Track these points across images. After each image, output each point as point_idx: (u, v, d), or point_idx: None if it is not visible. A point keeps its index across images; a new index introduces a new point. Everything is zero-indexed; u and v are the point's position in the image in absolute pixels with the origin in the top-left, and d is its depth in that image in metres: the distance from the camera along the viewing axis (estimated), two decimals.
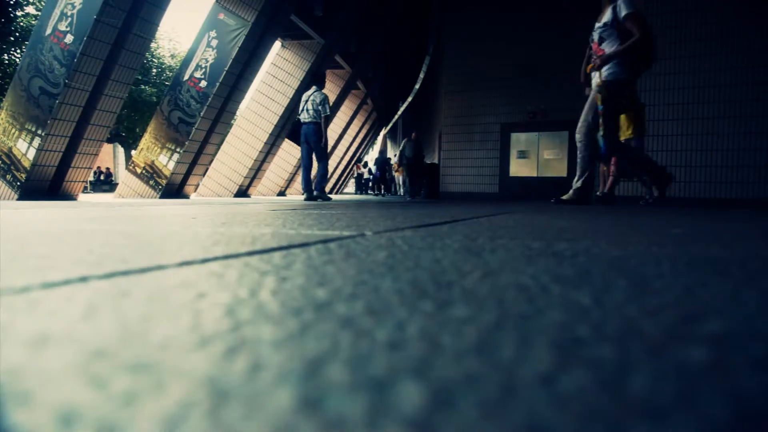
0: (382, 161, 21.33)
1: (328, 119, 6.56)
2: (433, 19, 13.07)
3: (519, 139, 11.64)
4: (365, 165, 26.57)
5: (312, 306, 0.60)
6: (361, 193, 24.10)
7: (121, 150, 30.20)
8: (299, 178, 16.31)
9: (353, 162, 24.04)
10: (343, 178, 24.72)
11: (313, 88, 6.76)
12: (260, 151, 11.31)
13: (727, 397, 0.33)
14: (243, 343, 0.45)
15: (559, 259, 1.01)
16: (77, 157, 6.69)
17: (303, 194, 6.79)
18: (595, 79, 4.11)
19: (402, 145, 9.69)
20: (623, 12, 4.08)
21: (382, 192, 21.71)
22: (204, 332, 0.48)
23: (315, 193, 6.76)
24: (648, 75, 6.98)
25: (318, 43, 11.94)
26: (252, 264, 0.92)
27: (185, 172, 9.09)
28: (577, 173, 4.08)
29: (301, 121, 6.58)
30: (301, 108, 6.70)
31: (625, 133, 4.95)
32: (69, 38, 6.28)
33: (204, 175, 10.28)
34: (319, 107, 6.54)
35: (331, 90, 14.85)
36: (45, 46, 6.38)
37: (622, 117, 4.84)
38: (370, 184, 24.17)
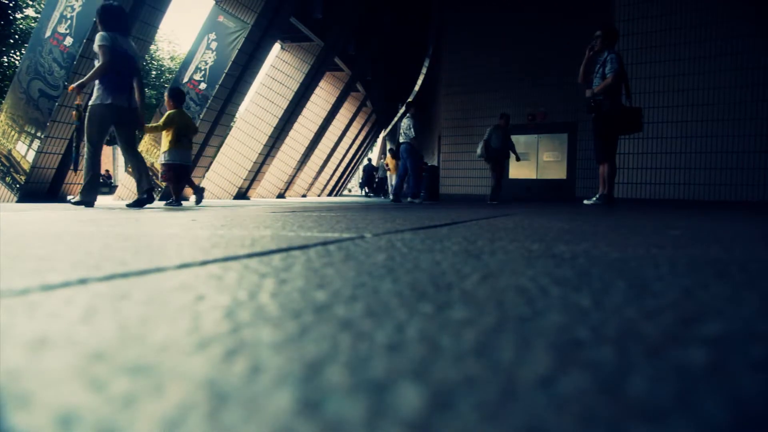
0: (369, 168, 24.03)
1: (416, 140, 8.02)
2: (433, 21, 13.09)
3: (518, 141, 11.65)
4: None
5: (311, 308, 0.60)
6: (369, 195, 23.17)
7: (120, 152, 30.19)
8: (299, 180, 16.33)
9: (354, 163, 23.99)
10: (342, 180, 24.71)
11: (408, 114, 8.17)
12: (260, 153, 11.32)
13: (727, 399, 0.33)
14: (242, 346, 0.45)
15: (559, 261, 1.01)
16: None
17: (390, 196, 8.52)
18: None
19: (487, 133, 9.14)
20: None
21: (369, 194, 22.75)
22: (203, 334, 0.48)
23: (409, 199, 8.25)
24: (647, 77, 7.01)
25: (317, 45, 11.95)
26: (251, 266, 0.92)
27: None
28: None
29: (400, 141, 8.14)
30: (400, 131, 8.13)
31: (164, 147, 5.68)
32: (68, 40, 6.28)
33: (203, 177, 10.28)
34: (407, 131, 7.98)
35: (330, 92, 14.87)
36: (44, 49, 6.38)
37: (164, 134, 5.67)
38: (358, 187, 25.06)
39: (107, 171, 27.36)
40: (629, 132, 5.39)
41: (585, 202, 5.67)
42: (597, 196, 5.48)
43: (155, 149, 8.87)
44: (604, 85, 5.20)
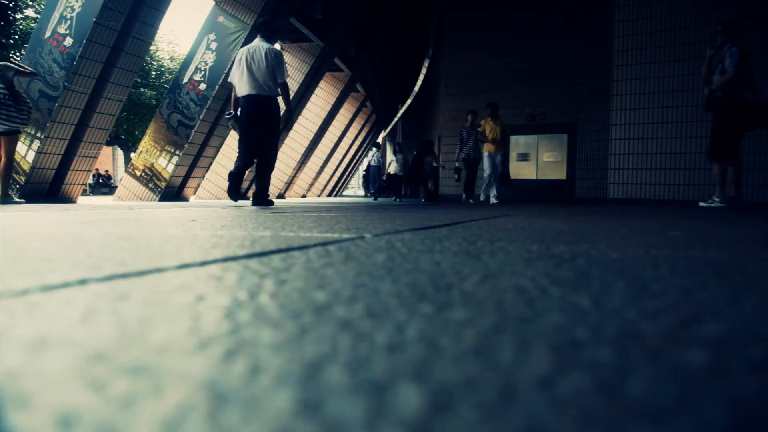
0: (373, 169, 24.73)
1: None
2: (433, 22, 13.10)
3: (518, 142, 11.66)
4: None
5: (311, 308, 0.60)
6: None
7: (120, 153, 30.15)
8: (299, 181, 16.33)
9: (354, 163, 23.95)
10: (343, 180, 24.70)
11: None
12: None
13: (726, 400, 0.33)
14: (242, 346, 0.45)
15: (558, 261, 1.01)
16: (76, 159, 6.69)
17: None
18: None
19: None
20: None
21: (372, 195, 23.26)
22: (203, 335, 0.48)
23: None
24: (647, 78, 7.01)
25: (317, 45, 11.96)
26: (251, 267, 0.92)
27: (184, 175, 9.10)
28: None
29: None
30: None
31: None
32: (68, 41, 6.29)
33: (203, 177, 10.28)
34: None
35: (330, 93, 14.87)
36: (44, 49, 6.38)
37: None
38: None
39: (107, 171, 27.36)
40: (755, 128, 5.06)
41: (701, 204, 5.20)
42: (717, 197, 5.09)
43: (155, 149, 8.87)
44: (725, 79, 4.94)
